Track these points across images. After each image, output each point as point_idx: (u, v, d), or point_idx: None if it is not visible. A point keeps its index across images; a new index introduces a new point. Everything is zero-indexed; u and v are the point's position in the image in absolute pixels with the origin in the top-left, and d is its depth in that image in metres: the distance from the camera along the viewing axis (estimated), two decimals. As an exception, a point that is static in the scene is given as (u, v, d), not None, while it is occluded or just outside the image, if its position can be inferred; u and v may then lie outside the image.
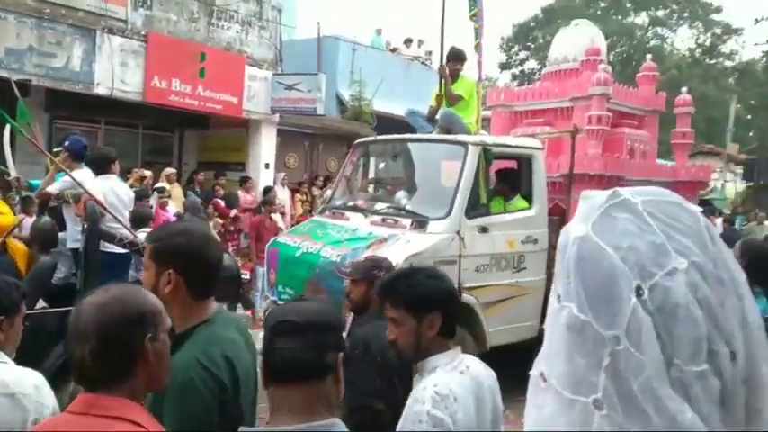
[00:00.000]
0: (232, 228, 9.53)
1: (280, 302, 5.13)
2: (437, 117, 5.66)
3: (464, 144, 5.00)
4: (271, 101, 10.93)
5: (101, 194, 4.69)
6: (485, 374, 1.90)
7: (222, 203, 9.55)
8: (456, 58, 5.80)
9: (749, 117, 32.68)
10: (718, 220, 12.34)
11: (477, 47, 6.84)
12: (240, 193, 10.26)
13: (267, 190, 10.12)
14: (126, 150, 11.06)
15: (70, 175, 4.65)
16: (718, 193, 19.58)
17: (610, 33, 28.89)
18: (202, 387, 1.57)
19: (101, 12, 8.77)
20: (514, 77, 36.61)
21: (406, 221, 4.87)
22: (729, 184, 22.71)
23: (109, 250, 4.55)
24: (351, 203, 5.52)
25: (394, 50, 15.46)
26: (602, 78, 5.75)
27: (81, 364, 1.26)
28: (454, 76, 5.75)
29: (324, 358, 1.32)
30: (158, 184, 8.81)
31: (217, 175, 10.49)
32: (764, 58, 23.39)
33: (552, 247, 5.43)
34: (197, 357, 1.60)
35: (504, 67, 36.94)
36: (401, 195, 5.23)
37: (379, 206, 5.25)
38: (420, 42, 15.84)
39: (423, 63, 14.62)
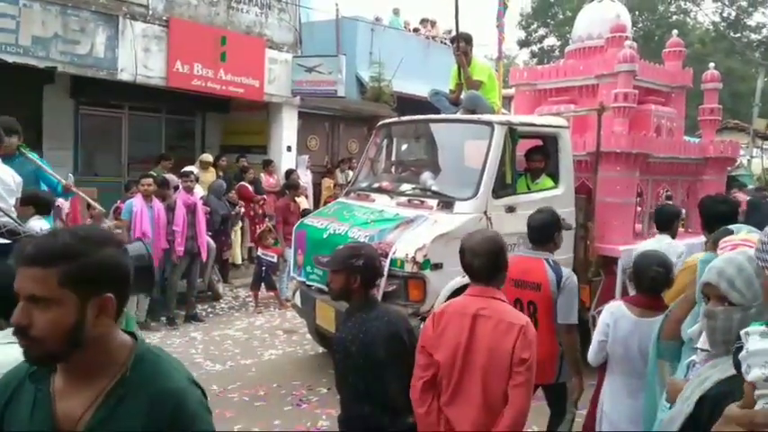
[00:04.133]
0: (261, 211, 9.66)
1: (309, 283, 5.21)
2: (461, 98, 5.64)
3: (490, 124, 4.98)
4: (291, 83, 10.94)
5: None
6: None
7: (250, 188, 9.66)
8: (465, 41, 5.79)
9: (776, 91, 31.93)
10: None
11: (500, 26, 6.81)
12: (263, 175, 10.36)
13: (289, 173, 10.19)
14: (150, 135, 11.23)
15: None
16: (744, 169, 19.23)
17: (632, 8, 28.30)
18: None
19: (123, -3, 8.83)
20: (534, 55, 36.13)
21: (433, 202, 4.89)
22: (756, 160, 22.28)
23: None
24: (376, 185, 5.55)
25: (415, 30, 15.35)
26: (628, 55, 5.67)
27: (477, 270, 2.56)
28: (467, 59, 5.76)
29: None
30: (187, 168, 8.93)
31: (237, 158, 10.60)
32: (792, 31, 22.81)
33: (580, 226, 5.42)
34: (188, 378, 1.46)
35: (523, 44, 36.44)
36: (426, 176, 5.24)
37: (405, 187, 5.27)
38: (433, 23, 15.71)
39: (442, 42, 14.50)
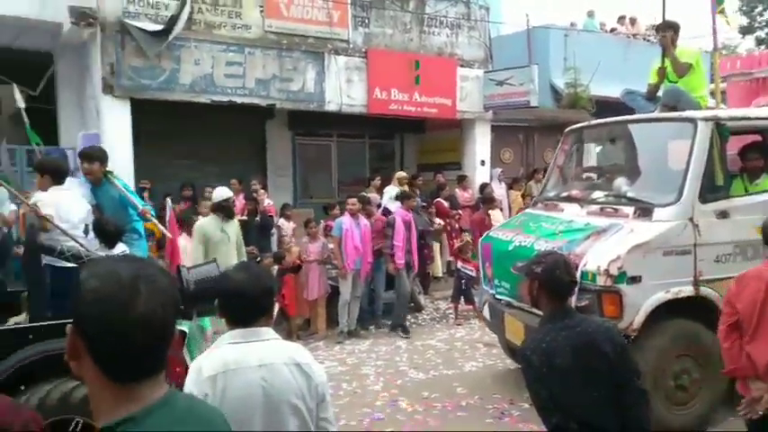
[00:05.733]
0: (457, 226, 9.91)
1: (497, 297, 5.21)
2: (659, 95, 5.22)
3: (692, 120, 4.53)
4: (483, 98, 11.05)
5: (53, 206, 4.51)
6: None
7: (446, 204, 9.96)
8: (669, 28, 5.30)
9: None
10: None
11: (723, 11, 6.21)
12: (458, 191, 10.58)
13: (483, 186, 10.27)
14: (355, 159, 12.19)
15: (13, 192, 4.92)
16: None
17: None
18: None
19: (327, 36, 9.74)
20: (760, 42, 31.65)
21: (629, 209, 4.58)
22: None
23: (51, 263, 4.26)
24: (564, 194, 5.36)
25: (612, 31, 14.50)
26: None
27: None
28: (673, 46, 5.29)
29: None
30: (389, 187, 9.52)
31: (434, 175, 10.98)
32: None
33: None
34: None
35: (746, 31, 32.13)
36: (621, 182, 4.92)
37: (597, 195, 5.01)
38: (633, 20, 14.63)
39: (645, 39, 13.48)
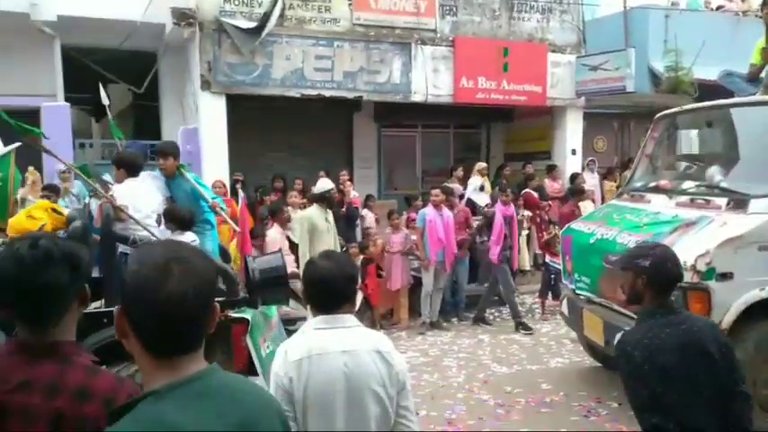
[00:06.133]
0: (547, 218, 9.64)
1: (577, 292, 5.05)
2: (761, 76, 4.82)
3: (797, 104, 4.18)
4: (575, 84, 10.64)
5: (128, 197, 4.67)
6: None
7: (536, 194, 9.73)
8: None
9: None
10: None
11: None
12: (547, 181, 10.29)
13: (574, 177, 9.93)
14: (439, 150, 12.16)
15: (91, 184, 5.04)
16: None
17: None
18: None
19: (414, 26, 9.74)
20: None
21: (721, 201, 4.29)
22: None
23: (126, 252, 4.40)
24: (652, 184, 5.08)
25: (719, 9, 13.46)
26: None
27: None
28: None
29: None
30: (472, 179, 9.44)
31: (524, 165, 10.72)
32: None
33: None
34: None
35: None
36: (714, 171, 4.60)
37: (687, 185, 4.72)
38: None
39: (757, 16, 12.38)
